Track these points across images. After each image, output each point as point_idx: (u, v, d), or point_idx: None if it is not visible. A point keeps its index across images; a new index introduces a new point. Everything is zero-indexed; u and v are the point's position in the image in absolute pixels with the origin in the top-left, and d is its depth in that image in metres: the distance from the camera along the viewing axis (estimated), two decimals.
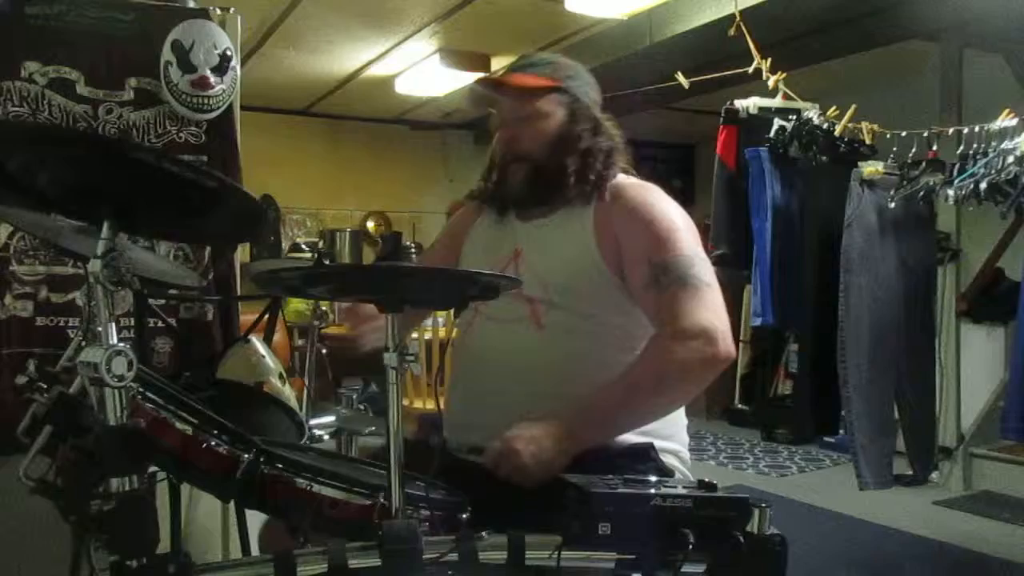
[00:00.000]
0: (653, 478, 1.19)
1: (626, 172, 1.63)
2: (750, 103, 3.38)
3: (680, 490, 1.11)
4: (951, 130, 3.05)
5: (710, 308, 1.42)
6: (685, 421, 1.60)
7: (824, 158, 3.13)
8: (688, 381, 1.44)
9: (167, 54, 2.18)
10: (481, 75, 1.61)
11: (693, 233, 1.52)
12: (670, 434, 1.53)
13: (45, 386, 1.18)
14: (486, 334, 1.55)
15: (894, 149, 3.14)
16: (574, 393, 1.42)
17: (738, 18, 3.32)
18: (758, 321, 3.27)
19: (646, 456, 1.47)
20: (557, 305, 1.48)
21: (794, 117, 3.18)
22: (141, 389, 1.06)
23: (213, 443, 1.10)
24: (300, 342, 5.13)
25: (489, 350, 1.54)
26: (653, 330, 1.48)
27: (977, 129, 2.89)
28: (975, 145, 2.89)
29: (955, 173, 2.93)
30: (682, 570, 1.06)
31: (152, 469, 1.12)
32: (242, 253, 2.87)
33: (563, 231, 1.55)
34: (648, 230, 1.48)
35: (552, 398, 1.42)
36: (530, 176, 1.57)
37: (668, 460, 1.51)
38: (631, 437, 1.46)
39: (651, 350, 1.44)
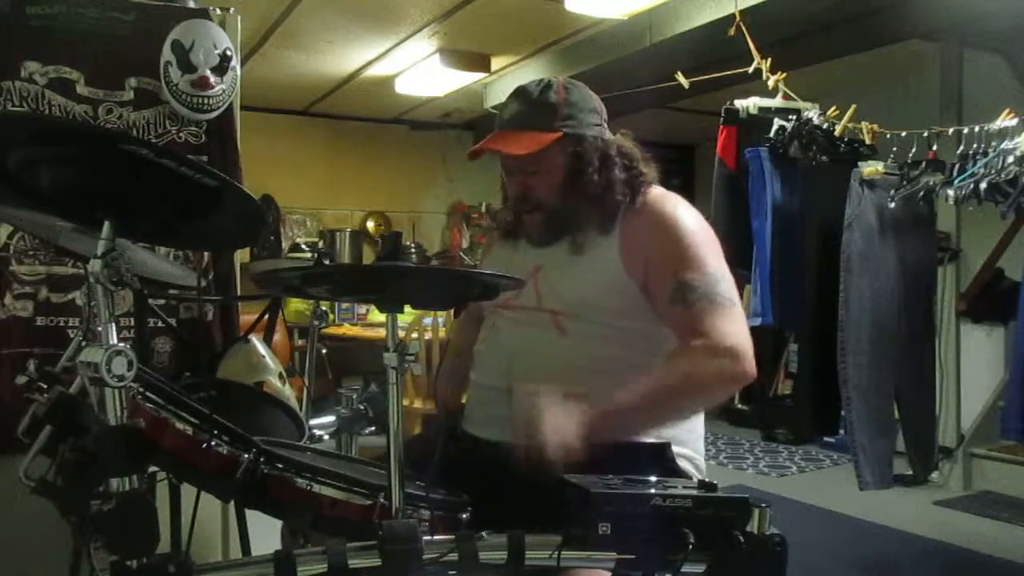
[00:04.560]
0: (653, 478, 1.19)
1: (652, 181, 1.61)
2: (750, 103, 3.38)
3: (680, 490, 1.11)
4: (951, 130, 3.05)
5: (736, 327, 1.44)
6: (702, 431, 1.61)
7: (824, 158, 3.13)
8: (710, 394, 1.48)
9: (167, 54, 2.18)
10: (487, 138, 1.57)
11: (717, 248, 1.52)
12: (686, 440, 1.55)
13: (45, 386, 1.18)
14: (511, 336, 1.56)
15: (894, 149, 3.14)
16: (599, 394, 1.42)
17: (738, 18, 3.32)
18: (758, 321, 3.26)
19: (662, 456, 1.48)
20: (579, 317, 1.49)
21: (794, 117, 3.18)
22: (141, 389, 1.06)
23: (213, 443, 1.10)
24: (300, 342, 5.16)
25: (514, 352, 1.54)
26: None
27: (977, 129, 2.89)
28: (975, 145, 2.89)
29: (955, 173, 2.93)
30: (682, 570, 1.06)
31: (152, 469, 1.12)
32: (242, 253, 2.87)
33: (585, 247, 1.54)
34: (674, 246, 1.48)
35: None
36: (546, 221, 1.57)
37: (684, 464, 1.52)
38: (647, 437, 1.48)
39: (679, 360, 1.45)
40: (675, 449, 1.51)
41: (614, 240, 1.52)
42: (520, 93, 1.58)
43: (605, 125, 1.61)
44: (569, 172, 1.54)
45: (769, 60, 3.29)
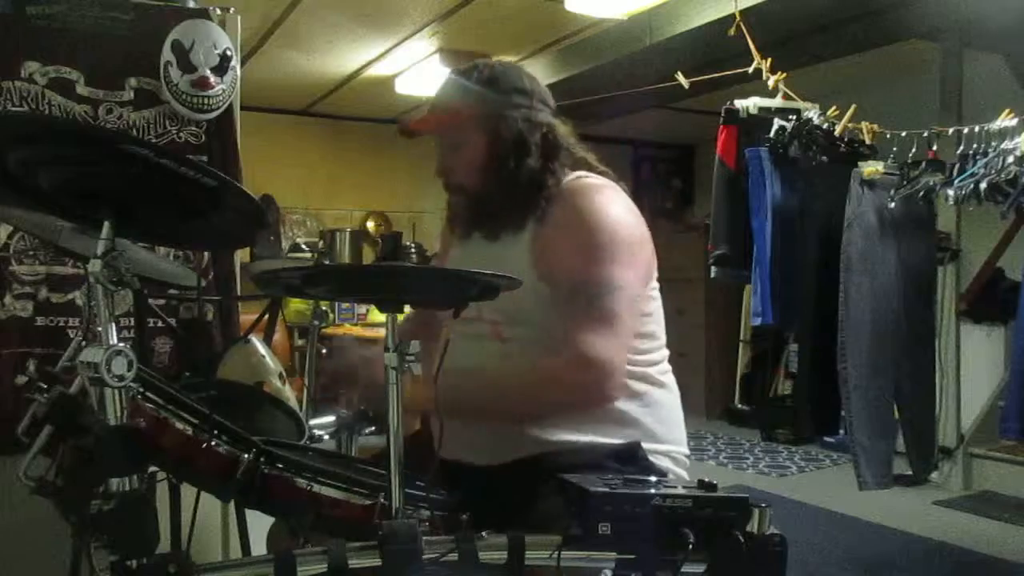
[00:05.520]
0: (653, 478, 1.19)
1: (592, 168, 1.57)
2: (750, 103, 3.38)
3: (680, 490, 1.11)
4: (951, 130, 3.05)
5: (612, 342, 1.38)
6: (680, 419, 1.58)
7: (824, 158, 3.13)
8: (568, 404, 1.43)
9: (167, 54, 2.18)
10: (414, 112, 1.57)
11: (628, 251, 1.44)
12: (661, 433, 1.51)
13: (45, 386, 1.18)
14: (459, 351, 1.53)
15: (894, 149, 3.15)
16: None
17: (738, 18, 3.32)
18: (758, 321, 3.27)
19: (633, 456, 1.45)
20: (514, 323, 1.46)
21: (794, 117, 3.18)
22: (141, 389, 1.06)
23: (213, 443, 1.10)
24: (300, 342, 5.16)
25: (461, 367, 1.50)
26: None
27: (977, 129, 2.90)
28: (975, 145, 2.89)
29: (955, 173, 2.94)
30: (682, 570, 1.06)
31: (152, 469, 1.12)
32: (242, 253, 2.87)
33: (504, 252, 1.51)
34: (575, 243, 1.43)
35: None
36: (467, 204, 1.57)
37: (661, 461, 1.50)
38: (615, 439, 1.46)
39: (546, 365, 1.42)
40: (649, 446, 1.48)
41: (526, 245, 1.49)
42: (448, 75, 1.60)
43: (539, 109, 1.55)
44: (486, 153, 1.52)
45: (769, 60, 3.29)
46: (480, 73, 1.54)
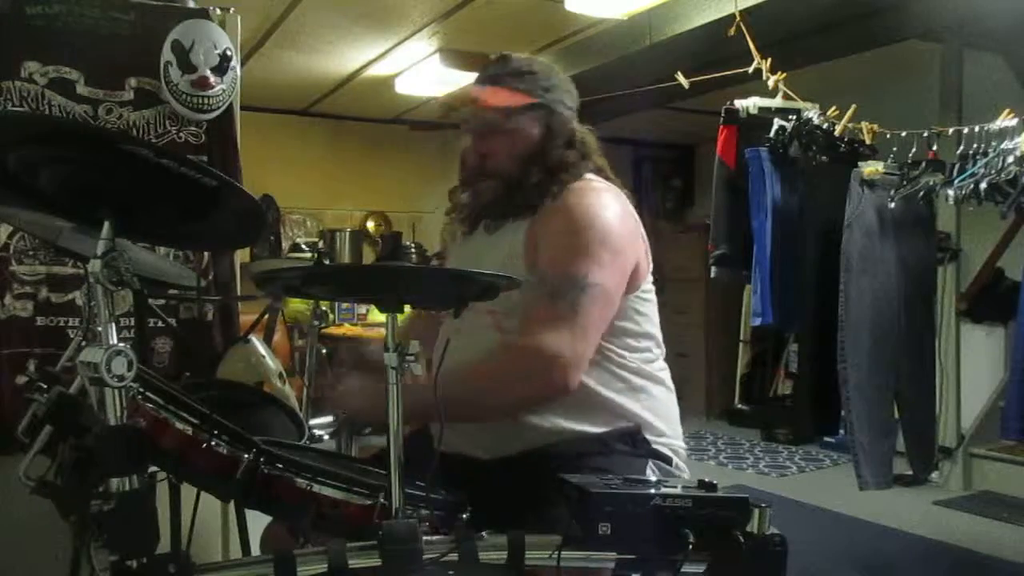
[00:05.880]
0: (653, 478, 1.19)
1: (603, 175, 1.59)
2: (750, 103, 3.38)
3: (680, 490, 1.11)
4: (951, 130, 3.05)
5: (570, 338, 1.36)
6: (676, 415, 1.60)
7: (824, 158, 3.13)
8: (512, 395, 1.41)
9: (167, 54, 2.18)
10: (460, 88, 1.58)
11: (610, 256, 1.43)
12: (659, 427, 1.54)
13: (45, 386, 1.18)
14: (460, 342, 1.54)
15: (894, 149, 3.14)
16: None
17: (738, 18, 3.32)
18: (758, 321, 3.26)
19: (633, 439, 1.47)
20: (511, 314, 1.46)
21: (794, 117, 3.17)
22: (141, 389, 1.06)
23: (213, 443, 1.10)
24: (300, 342, 5.16)
25: (461, 359, 1.52)
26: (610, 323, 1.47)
27: (977, 129, 2.89)
28: (975, 145, 2.89)
29: (955, 173, 2.93)
30: (682, 570, 1.06)
31: (152, 469, 1.13)
32: (242, 253, 2.87)
33: (503, 240, 1.53)
34: (559, 237, 1.44)
35: None
36: (503, 191, 1.55)
37: (663, 450, 1.52)
38: (619, 422, 1.47)
39: (497, 352, 1.43)
40: (648, 437, 1.50)
41: (521, 236, 1.50)
42: (503, 57, 1.59)
43: (576, 114, 1.61)
44: (535, 143, 1.53)
45: (769, 60, 3.29)
46: (539, 66, 1.57)
